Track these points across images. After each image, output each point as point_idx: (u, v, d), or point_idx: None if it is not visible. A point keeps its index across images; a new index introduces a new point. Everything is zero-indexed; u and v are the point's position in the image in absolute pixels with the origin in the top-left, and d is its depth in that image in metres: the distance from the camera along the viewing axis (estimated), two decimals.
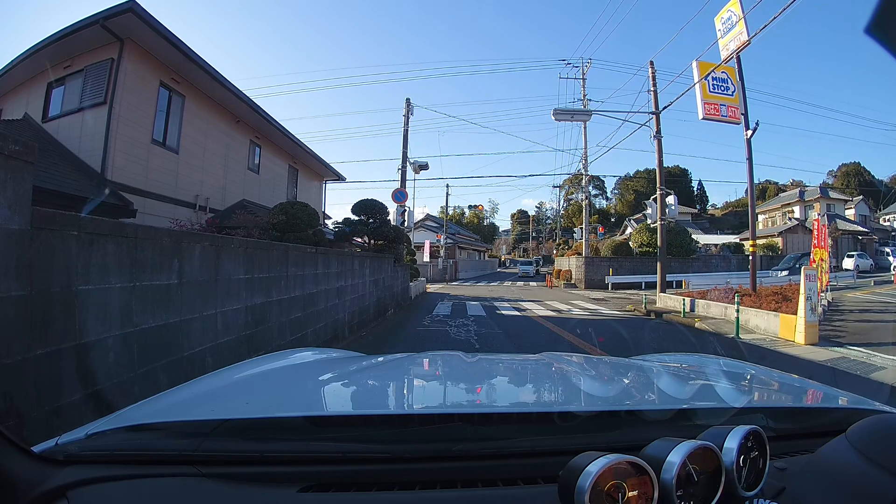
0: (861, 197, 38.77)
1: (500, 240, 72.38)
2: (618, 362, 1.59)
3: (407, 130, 16.35)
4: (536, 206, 72.68)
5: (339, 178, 17.66)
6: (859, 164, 51.06)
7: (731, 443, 0.65)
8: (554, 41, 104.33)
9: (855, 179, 48.02)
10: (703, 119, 10.28)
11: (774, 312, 7.34)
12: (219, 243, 3.31)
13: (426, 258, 23.96)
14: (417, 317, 9.59)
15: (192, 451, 0.72)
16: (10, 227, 1.67)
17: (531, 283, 25.27)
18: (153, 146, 8.34)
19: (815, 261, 8.83)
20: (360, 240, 10.88)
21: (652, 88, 12.93)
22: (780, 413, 0.97)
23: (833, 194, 37.48)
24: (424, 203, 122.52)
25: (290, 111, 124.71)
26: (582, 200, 25.32)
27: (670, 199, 13.02)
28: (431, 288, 18.98)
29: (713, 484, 0.62)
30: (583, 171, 22.43)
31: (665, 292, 12.19)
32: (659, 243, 13.46)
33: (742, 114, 10.07)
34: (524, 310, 11.12)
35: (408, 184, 15.86)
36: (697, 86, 10.24)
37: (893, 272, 18.79)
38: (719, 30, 9.87)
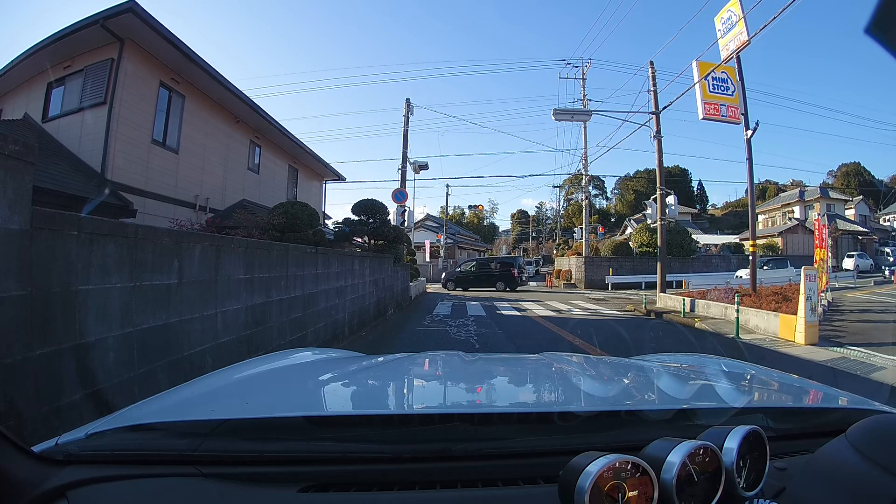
0: (861, 197, 38.77)
1: (500, 240, 72.27)
2: (618, 362, 1.59)
3: (407, 130, 16.36)
4: (536, 206, 72.61)
5: (339, 178, 17.68)
6: (859, 164, 51.08)
7: (731, 443, 0.65)
8: (554, 41, 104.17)
9: (855, 179, 48.01)
10: (703, 119, 10.28)
11: (774, 312, 7.34)
12: (219, 243, 3.31)
13: (426, 258, 23.97)
14: (417, 317, 9.59)
15: (192, 451, 0.72)
16: (10, 227, 1.67)
17: (531, 283, 25.26)
18: (153, 146, 8.34)
19: (817, 261, 8.84)
20: (360, 240, 10.88)
21: (652, 88, 12.93)
22: (780, 413, 0.97)
23: (833, 194, 37.48)
24: (424, 203, 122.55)
25: (290, 111, 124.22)
26: (582, 200, 25.32)
27: (670, 199, 13.02)
28: (431, 288, 18.98)
29: (713, 484, 0.62)
30: (583, 171, 22.44)
31: (665, 292, 12.19)
32: (659, 243, 13.46)
33: (742, 114, 10.07)
34: (524, 310, 11.11)
35: (408, 184, 15.87)
36: (697, 86, 10.24)
37: (893, 276, 18.73)
38: (719, 30, 9.87)
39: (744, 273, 17.37)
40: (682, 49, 40.75)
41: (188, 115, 9.25)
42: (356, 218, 10.57)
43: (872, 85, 73.60)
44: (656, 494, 0.57)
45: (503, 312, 10.56)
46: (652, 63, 13.17)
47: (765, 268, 18.50)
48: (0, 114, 9.00)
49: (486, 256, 22.76)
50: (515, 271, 18.29)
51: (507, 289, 17.92)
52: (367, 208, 10.52)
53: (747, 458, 0.66)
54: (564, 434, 0.81)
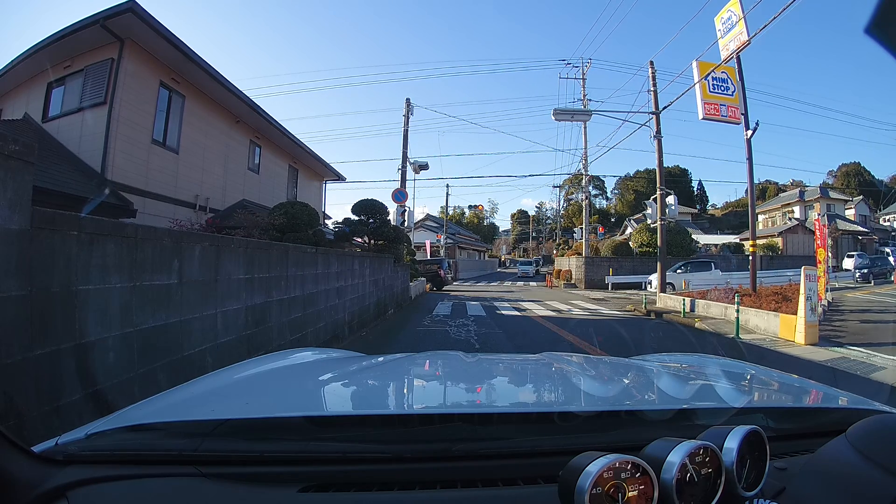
0: (861, 197, 38.77)
1: (500, 240, 72.35)
2: (618, 362, 1.59)
3: (407, 130, 16.38)
4: (536, 206, 72.66)
5: (339, 178, 17.67)
6: (859, 164, 51.12)
7: (731, 443, 0.65)
8: (554, 41, 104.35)
9: (855, 179, 48.03)
10: (703, 119, 10.28)
11: (774, 312, 7.34)
12: (219, 243, 3.31)
13: (427, 258, 23.97)
14: (417, 317, 9.59)
15: (192, 451, 0.72)
16: (10, 227, 1.67)
17: (531, 283, 25.27)
18: (153, 146, 8.34)
19: (820, 261, 8.84)
20: (360, 240, 10.88)
21: (652, 88, 12.93)
22: (780, 413, 0.97)
23: (833, 194, 37.49)
24: (424, 203, 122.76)
25: (290, 111, 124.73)
26: (582, 200, 25.33)
27: (670, 199, 13.02)
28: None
29: (713, 484, 0.62)
30: (583, 171, 22.45)
31: (665, 292, 12.19)
32: (659, 243, 13.46)
33: (742, 114, 10.07)
34: (524, 310, 11.11)
35: (408, 184, 15.88)
36: (697, 86, 10.25)
37: (893, 276, 18.28)
38: (719, 30, 9.88)
39: (655, 279, 15.38)
40: (682, 49, 40.80)
41: (188, 115, 9.24)
42: (356, 218, 10.57)
43: (872, 85, 73.74)
44: (656, 494, 0.57)
45: (503, 312, 10.56)
46: (652, 63, 13.18)
47: (679, 271, 16.40)
48: (0, 114, 8.99)
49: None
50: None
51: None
52: (367, 208, 10.52)
53: (747, 458, 0.66)
54: (564, 434, 0.81)
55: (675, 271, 16.40)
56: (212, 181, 10.09)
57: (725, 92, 10.28)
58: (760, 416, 0.89)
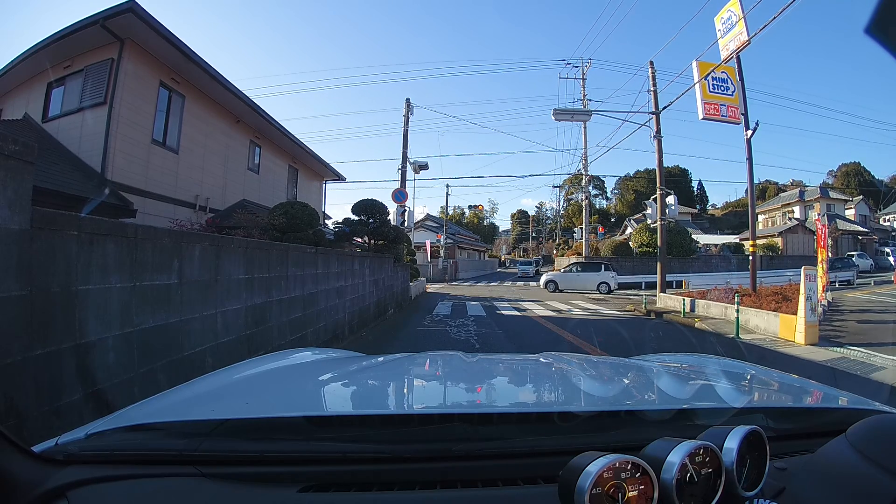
0: (861, 197, 38.78)
1: (500, 240, 72.36)
2: (618, 362, 1.59)
3: (407, 130, 16.35)
4: (536, 206, 72.79)
5: (339, 178, 17.67)
6: (859, 164, 51.17)
7: (731, 443, 0.65)
8: (554, 41, 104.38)
9: (855, 179, 48.07)
10: (703, 119, 10.29)
11: (774, 312, 7.34)
12: (219, 243, 3.31)
13: (427, 258, 24.00)
14: (417, 317, 9.59)
15: (192, 451, 0.72)
16: (10, 227, 1.67)
17: (531, 284, 25.24)
18: (153, 146, 8.34)
19: (821, 261, 8.85)
20: (360, 240, 10.87)
21: (652, 88, 12.92)
22: (780, 413, 0.97)
23: (833, 194, 37.50)
24: (424, 203, 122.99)
25: (290, 111, 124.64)
26: (582, 200, 25.34)
27: (670, 199, 13.01)
28: (431, 288, 18.97)
29: (713, 484, 0.62)
30: (583, 171, 22.44)
31: (665, 292, 12.18)
32: (659, 243, 13.46)
33: (742, 114, 10.07)
34: (524, 310, 11.11)
35: (408, 184, 15.86)
36: (697, 86, 10.25)
37: (893, 276, 17.88)
38: (719, 30, 9.88)
39: (543, 277, 17.07)
40: (682, 49, 40.75)
41: (188, 115, 9.24)
42: (356, 218, 10.55)
43: (872, 85, 73.75)
44: (656, 494, 0.57)
45: (503, 312, 10.56)
46: (652, 63, 13.17)
47: (563, 270, 18.00)
48: (0, 114, 8.99)
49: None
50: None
51: None
52: (367, 208, 10.51)
53: (747, 458, 0.66)
54: (564, 434, 0.81)
55: (562, 271, 17.62)
56: (212, 181, 10.09)
57: (725, 92, 10.28)
58: (760, 417, 0.89)
